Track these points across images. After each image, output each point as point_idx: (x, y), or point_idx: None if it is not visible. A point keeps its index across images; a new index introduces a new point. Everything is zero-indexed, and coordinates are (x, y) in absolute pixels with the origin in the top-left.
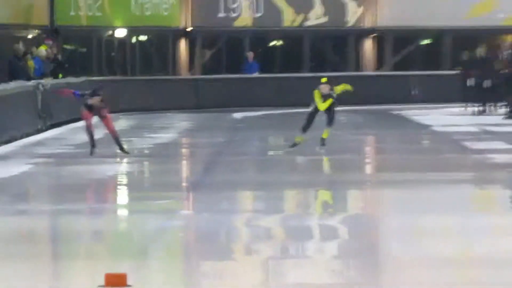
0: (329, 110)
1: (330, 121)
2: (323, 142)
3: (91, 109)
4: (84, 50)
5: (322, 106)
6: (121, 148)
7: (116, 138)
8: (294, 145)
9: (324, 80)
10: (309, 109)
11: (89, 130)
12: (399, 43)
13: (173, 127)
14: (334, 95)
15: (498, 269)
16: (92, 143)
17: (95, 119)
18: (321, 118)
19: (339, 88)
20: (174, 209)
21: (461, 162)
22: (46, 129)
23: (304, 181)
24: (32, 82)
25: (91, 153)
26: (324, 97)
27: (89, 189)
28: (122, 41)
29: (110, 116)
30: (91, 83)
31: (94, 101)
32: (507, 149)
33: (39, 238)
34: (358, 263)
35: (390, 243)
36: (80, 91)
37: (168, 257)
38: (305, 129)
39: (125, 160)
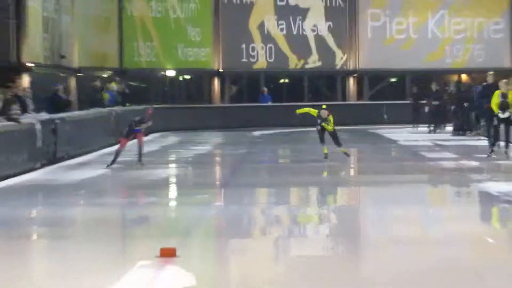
0: (332, 132)
1: (337, 141)
2: (347, 154)
3: (129, 135)
4: (144, 85)
5: (327, 127)
6: (139, 159)
7: (140, 149)
8: (326, 156)
9: (324, 106)
10: (317, 128)
11: (119, 151)
12: (374, 81)
13: (208, 142)
14: (329, 119)
15: (447, 246)
16: (115, 161)
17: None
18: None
19: (332, 126)
20: (210, 201)
21: (420, 167)
22: (44, 164)
23: (304, 182)
24: (106, 109)
25: (108, 166)
26: (322, 121)
27: (147, 187)
28: (172, 79)
29: (143, 134)
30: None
31: (142, 127)
32: (453, 158)
33: (111, 224)
34: (345, 241)
35: (368, 226)
36: (139, 128)
37: (205, 236)
38: (321, 141)
39: (174, 165)
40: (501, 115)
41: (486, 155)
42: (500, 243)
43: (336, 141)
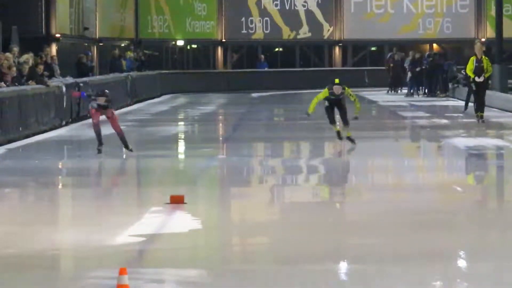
0: (342, 108)
1: (346, 121)
2: (352, 140)
3: (98, 109)
4: (157, 54)
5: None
6: (126, 146)
7: (121, 137)
8: (338, 134)
9: (337, 81)
10: (325, 104)
11: (97, 128)
12: (356, 50)
13: (213, 102)
14: (345, 93)
15: (420, 192)
16: (99, 141)
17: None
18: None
19: (359, 106)
20: (214, 154)
21: (397, 125)
22: (133, 103)
23: (296, 137)
24: (124, 74)
25: (98, 151)
26: (335, 98)
27: (159, 142)
28: (181, 48)
29: (117, 116)
30: (162, 75)
31: (100, 100)
32: (425, 116)
33: (128, 173)
34: (331, 188)
35: (351, 175)
36: (86, 92)
37: (210, 185)
38: (332, 122)
39: (182, 123)
40: (477, 79)
41: (461, 114)
42: (466, 190)
43: (345, 118)
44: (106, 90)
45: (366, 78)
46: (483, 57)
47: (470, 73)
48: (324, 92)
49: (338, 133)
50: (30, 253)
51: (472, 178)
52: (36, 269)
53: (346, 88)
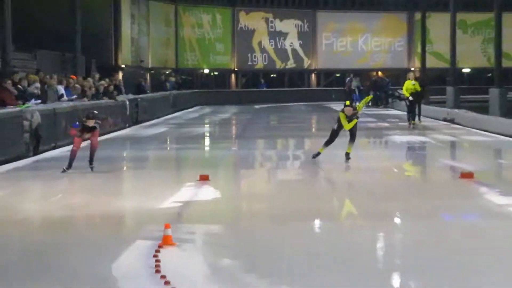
0: (353, 129)
1: (353, 138)
2: (348, 156)
3: (82, 133)
4: (190, 78)
5: (348, 126)
6: (90, 161)
7: (92, 152)
8: (318, 154)
9: (347, 103)
10: (334, 127)
11: (74, 154)
12: (326, 75)
13: (228, 111)
14: (358, 114)
15: (368, 172)
16: (70, 164)
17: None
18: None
19: (361, 106)
20: (229, 147)
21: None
22: (174, 112)
23: (285, 135)
24: (167, 92)
25: (63, 171)
26: (349, 118)
27: (191, 138)
28: (206, 74)
29: (97, 136)
30: (193, 93)
31: (89, 123)
32: (373, 121)
33: (170, 160)
34: (309, 169)
35: (323, 161)
36: (77, 123)
37: (226, 167)
38: (327, 144)
39: (207, 125)
40: (410, 98)
41: (407, 125)
42: (400, 171)
43: (353, 136)
44: (96, 112)
45: (333, 95)
46: (415, 81)
47: (406, 93)
48: (343, 115)
49: (318, 153)
50: (105, 213)
51: (405, 161)
52: (108, 224)
53: (357, 106)
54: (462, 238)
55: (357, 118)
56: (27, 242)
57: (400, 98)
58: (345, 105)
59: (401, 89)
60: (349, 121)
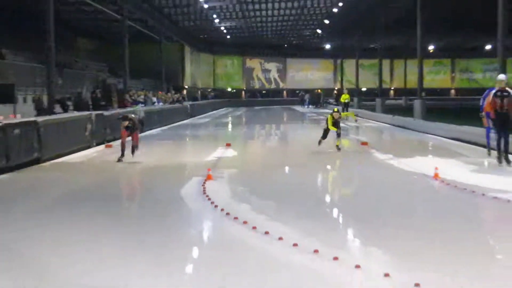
0: (337, 128)
1: (338, 135)
2: (338, 148)
3: (126, 129)
4: (218, 93)
5: (331, 127)
6: (132, 152)
7: (133, 147)
8: (320, 143)
9: (336, 110)
10: (325, 127)
11: (122, 145)
12: (292, 92)
13: (240, 110)
14: (340, 119)
15: (316, 142)
16: (122, 155)
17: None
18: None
19: (343, 114)
20: (241, 129)
21: (303, 118)
22: (212, 111)
23: (271, 122)
24: (210, 100)
25: (118, 160)
26: (335, 121)
27: (221, 125)
28: (229, 91)
29: (137, 135)
30: (223, 101)
31: (124, 123)
32: (315, 114)
33: (209, 136)
34: (285, 143)
35: (290, 134)
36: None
37: (239, 139)
38: (323, 138)
39: (230, 118)
40: (347, 101)
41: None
42: (328, 141)
43: (339, 133)
44: (131, 115)
45: (295, 102)
46: (347, 94)
47: (342, 99)
48: (331, 117)
49: (320, 142)
50: (176, 163)
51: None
52: (178, 168)
53: (341, 113)
54: (364, 176)
55: (339, 123)
56: (136, 179)
57: (330, 103)
58: (334, 111)
59: (333, 98)
60: (333, 123)
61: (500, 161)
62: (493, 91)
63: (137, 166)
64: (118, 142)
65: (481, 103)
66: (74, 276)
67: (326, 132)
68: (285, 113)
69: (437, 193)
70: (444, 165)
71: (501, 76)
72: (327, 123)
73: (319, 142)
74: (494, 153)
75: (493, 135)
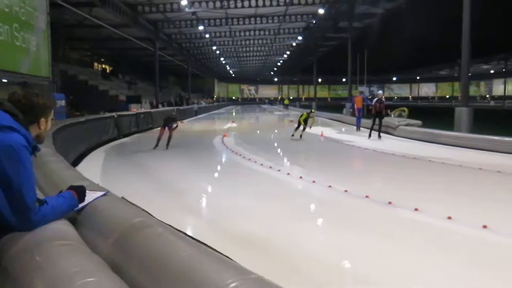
0: (306, 121)
1: (304, 129)
2: (301, 135)
3: (165, 126)
4: (229, 99)
5: (301, 121)
6: (167, 145)
7: (169, 139)
8: (295, 130)
9: (313, 110)
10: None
11: (159, 138)
12: (262, 100)
13: (238, 107)
14: (309, 117)
15: (283, 120)
16: (157, 144)
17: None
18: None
19: (310, 115)
20: (240, 114)
21: (272, 112)
22: (220, 108)
23: (254, 111)
24: (224, 103)
25: (154, 147)
26: (305, 118)
27: (227, 113)
28: (232, 98)
29: (172, 130)
30: (230, 102)
31: (176, 124)
32: (279, 110)
33: (223, 118)
34: (267, 121)
35: (272, 121)
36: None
37: (239, 119)
38: (297, 128)
39: (233, 110)
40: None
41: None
42: (280, 117)
43: (306, 126)
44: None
45: (265, 105)
46: (286, 100)
47: (286, 101)
48: (305, 114)
49: (294, 133)
50: (207, 129)
51: (284, 117)
52: (207, 132)
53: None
54: (313, 147)
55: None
56: (192, 135)
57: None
58: (310, 111)
59: (279, 102)
60: (304, 120)
61: (370, 136)
62: (376, 99)
63: (193, 129)
64: (185, 121)
65: (371, 103)
66: (165, 172)
67: (299, 124)
68: (257, 108)
69: (322, 142)
70: (326, 131)
71: (380, 92)
72: (300, 117)
73: (294, 133)
74: (362, 130)
75: (364, 120)
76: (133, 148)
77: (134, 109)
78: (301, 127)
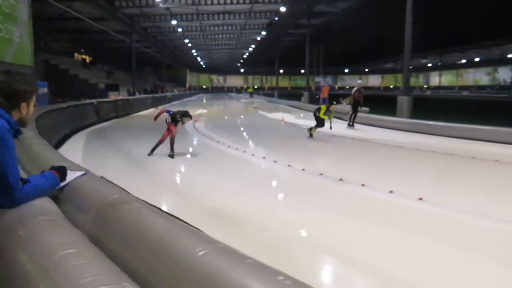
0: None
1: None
2: (311, 133)
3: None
4: (200, 88)
5: (323, 116)
6: (172, 150)
7: (172, 143)
8: (314, 131)
9: (334, 103)
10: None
11: (161, 142)
12: (230, 88)
13: (207, 95)
14: (329, 110)
15: (249, 107)
16: (156, 147)
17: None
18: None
19: (331, 107)
20: (209, 101)
21: (243, 104)
22: (191, 96)
23: (221, 98)
24: (195, 91)
25: (149, 154)
26: (326, 112)
27: (198, 100)
28: (203, 87)
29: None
30: (202, 90)
31: (185, 120)
32: (248, 100)
33: (195, 104)
34: (241, 106)
35: (246, 106)
36: (171, 111)
37: (208, 106)
38: (317, 126)
39: (204, 98)
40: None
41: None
42: (244, 104)
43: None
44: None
45: (233, 93)
46: (250, 89)
47: (250, 91)
48: (323, 107)
49: (313, 130)
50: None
51: (248, 103)
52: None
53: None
54: (256, 120)
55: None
56: (162, 123)
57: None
58: (332, 103)
59: (245, 90)
60: (324, 113)
61: (349, 126)
62: (355, 89)
63: (166, 114)
64: (160, 107)
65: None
66: (141, 154)
67: (320, 121)
68: (225, 96)
69: (283, 126)
70: (286, 116)
71: (359, 82)
72: (319, 112)
73: (313, 131)
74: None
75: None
76: (112, 132)
77: (113, 96)
78: (317, 124)
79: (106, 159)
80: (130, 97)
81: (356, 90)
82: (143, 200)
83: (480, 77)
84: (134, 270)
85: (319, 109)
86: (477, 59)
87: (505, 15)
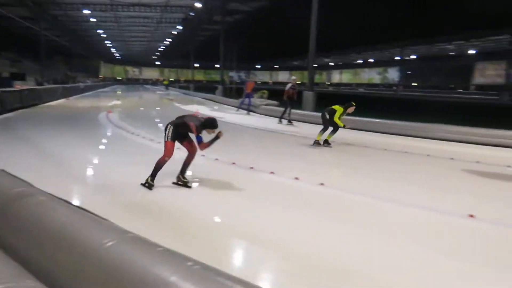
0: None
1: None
2: (328, 142)
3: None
4: (114, 79)
5: (338, 121)
6: (183, 173)
7: (187, 165)
8: (330, 136)
9: (354, 104)
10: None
11: (165, 161)
12: (145, 80)
13: (122, 86)
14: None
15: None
16: (154, 175)
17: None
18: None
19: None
20: (121, 93)
21: (152, 92)
22: (102, 88)
23: (138, 90)
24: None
25: (145, 184)
26: (341, 114)
27: (109, 92)
28: (118, 79)
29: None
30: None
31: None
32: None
33: (110, 95)
34: (183, 99)
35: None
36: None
37: (122, 97)
38: (325, 131)
39: (116, 89)
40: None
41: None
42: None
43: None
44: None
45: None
46: (166, 81)
47: (165, 83)
48: (339, 109)
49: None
50: (93, 106)
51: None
52: (94, 109)
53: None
54: (171, 113)
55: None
56: (78, 111)
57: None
58: (350, 104)
59: (160, 83)
60: (340, 116)
61: (289, 122)
62: (289, 85)
63: (79, 106)
64: (71, 98)
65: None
66: (51, 146)
67: (335, 126)
68: (141, 88)
69: None
70: (200, 108)
71: (293, 78)
72: (333, 115)
73: (329, 137)
74: (241, 111)
75: (244, 100)
76: (18, 123)
77: (18, 85)
78: (330, 129)
79: (12, 151)
80: (39, 87)
81: (291, 87)
82: (49, 193)
83: (373, 76)
84: (37, 264)
85: (331, 111)
86: (371, 60)
87: (389, 29)
